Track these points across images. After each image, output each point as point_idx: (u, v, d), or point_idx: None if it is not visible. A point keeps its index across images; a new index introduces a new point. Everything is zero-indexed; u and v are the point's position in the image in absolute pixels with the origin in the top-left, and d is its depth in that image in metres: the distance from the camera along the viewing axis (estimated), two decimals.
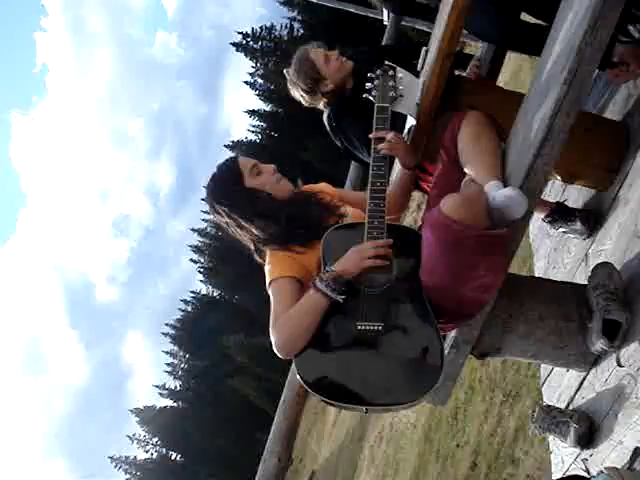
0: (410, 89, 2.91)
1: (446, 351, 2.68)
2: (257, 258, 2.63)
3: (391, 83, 2.82)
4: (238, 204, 2.60)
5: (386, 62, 2.90)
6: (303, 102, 3.57)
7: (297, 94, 3.55)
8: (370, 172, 2.54)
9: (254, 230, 2.58)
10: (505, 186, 2.38)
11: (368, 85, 2.81)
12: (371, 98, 2.80)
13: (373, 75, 2.84)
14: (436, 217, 2.26)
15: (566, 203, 3.50)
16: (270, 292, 2.44)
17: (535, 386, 4.39)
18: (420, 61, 3.20)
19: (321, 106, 3.54)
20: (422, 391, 2.18)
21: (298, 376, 2.25)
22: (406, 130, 3.03)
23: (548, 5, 3.18)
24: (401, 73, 2.89)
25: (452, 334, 2.67)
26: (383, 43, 6.38)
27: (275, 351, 2.28)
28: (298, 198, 2.69)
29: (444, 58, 2.83)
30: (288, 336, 2.27)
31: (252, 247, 2.63)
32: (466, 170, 2.56)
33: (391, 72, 2.86)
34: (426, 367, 2.22)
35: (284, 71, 3.61)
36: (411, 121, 2.98)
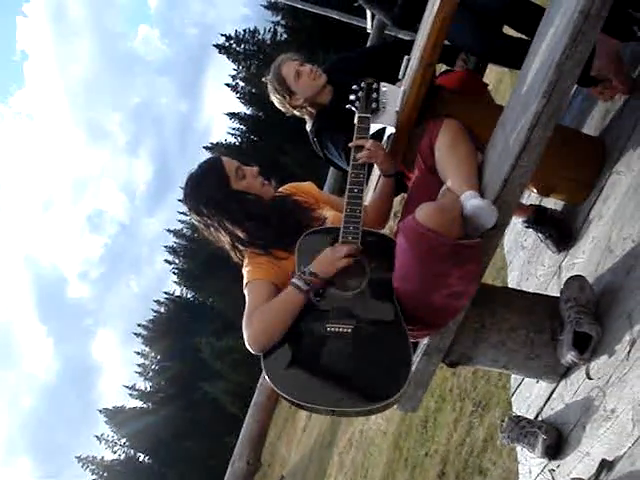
0: (392, 101, 2.94)
1: (418, 358, 2.70)
2: (234, 256, 2.62)
3: (374, 95, 2.87)
4: (227, 206, 2.58)
5: (368, 79, 2.92)
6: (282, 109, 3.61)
7: (274, 101, 3.58)
8: (348, 179, 2.57)
9: (239, 233, 2.57)
10: (481, 196, 2.41)
11: (351, 97, 2.86)
12: (353, 109, 2.84)
13: (356, 87, 2.88)
14: (410, 224, 2.28)
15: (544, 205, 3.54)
16: (246, 292, 2.45)
17: (505, 397, 4.41)
18: (402, 70, 3.22)
19: (304, 116, 3.56)
20: (388, 397, 2.18)
21: (266, 376, 2.26)
22: (385, 138, 3.05)
23: (530, 19, 3.23)
24: (384, 87, 2.93)
25: (424, 342, 2.68)
26: (368, 44, 6.36)
27: (247, 345, 2.28)
28: (281, 202, 2.70)
29: (425, 67, 2.84)
30: (262, 330, 2.27)
31: (228, 248, 2.62)
32: (443, 179, 2.58)
33: (375, 85, 2.90)
34: (393, 373, 2.22)
35: (263, 78, 3.63)
36: (390, 129, 3.00)
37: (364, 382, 2.23)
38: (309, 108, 3.49)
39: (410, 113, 2.94)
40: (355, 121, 2.81)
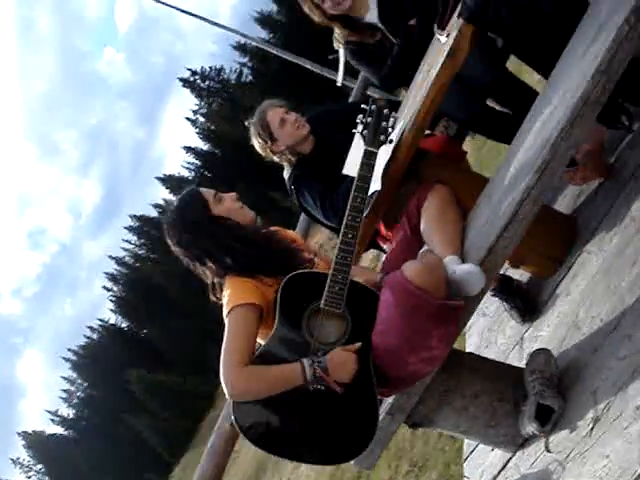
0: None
1: (381, 417, 2.70)
2: (212, 296, 2.58)
3: (383, 124, 2.61)
4: (208, 232, 2.57)
5: (379, 101, 2.73)
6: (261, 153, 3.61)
7: (255, 145, 3.59)
8: (344, 221, 2.46)
9: (225, 258, 2.52)
10: (463, 262, 2.46)
11: (359, 118, 2.62)
12: (359, 137, 2.60)
13: (367, 108, 2.63)
14: (399, 280, 2.31)
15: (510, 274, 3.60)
16: (228, 321, 2.40)
17: (442, 460, 4.42)
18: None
19: (282, 162, 3.58)
20: (350, 455, 2.35)
21: (234, 419, 2.31)
22: (369, 194, 3.07)
23: (516, 96, 3.35)
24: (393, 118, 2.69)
25: (389, 400, 2.69)
26: (350, 100, 6.43)
27: (225, 390, 2.28)
28: (270, 233, 2.69)
29: (417, 131, 2.90)
30: (253, 392, 2.29)
31: (212, 280, 2.58)
32: (426, 240, 2.63)
33: (386, 111, 2.64)
34: (359, 432, 2.33)
35: (246, 122, 3.63)
36: (375, 186, 3.02)
37: (329, 441, 2.33)
38: (289, 156, 3.50)
39: (397, 173, 2.98)
40: (362, 156, 2.57)
